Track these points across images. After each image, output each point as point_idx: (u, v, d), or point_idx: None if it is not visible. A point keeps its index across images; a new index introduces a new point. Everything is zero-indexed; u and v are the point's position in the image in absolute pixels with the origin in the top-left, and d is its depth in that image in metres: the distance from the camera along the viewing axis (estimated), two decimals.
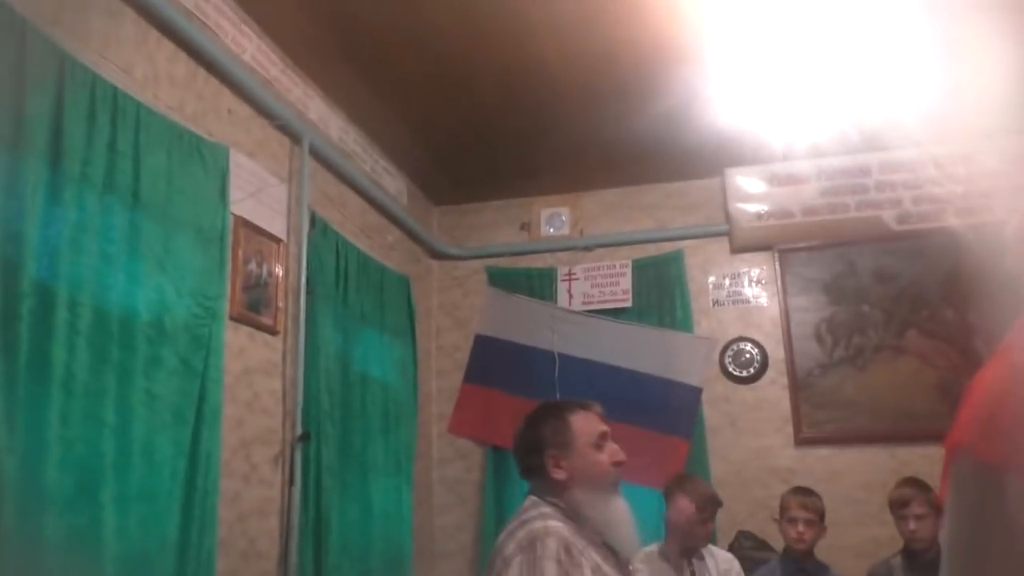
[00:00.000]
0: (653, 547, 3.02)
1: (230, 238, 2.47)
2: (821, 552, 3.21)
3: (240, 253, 2.56)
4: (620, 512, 1.80)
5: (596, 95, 3.27)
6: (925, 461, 3.55)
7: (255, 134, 2.79)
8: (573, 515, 1.79)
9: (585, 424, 1.83)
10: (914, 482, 2.85)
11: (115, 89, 2.06)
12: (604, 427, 1.84)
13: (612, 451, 1.82)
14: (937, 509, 2.75)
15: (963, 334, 3.63)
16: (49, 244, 1.81)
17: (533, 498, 1.86)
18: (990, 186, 3.62)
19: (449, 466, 4.03)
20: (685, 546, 2.91)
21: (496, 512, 3.73)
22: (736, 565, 2.98)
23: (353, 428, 3.05)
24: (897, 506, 2.79)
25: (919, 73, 3.09)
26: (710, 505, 2.95)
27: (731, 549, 3.45)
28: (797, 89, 3.24)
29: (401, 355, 3.59)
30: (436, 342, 4.19)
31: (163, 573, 1.99)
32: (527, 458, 1.86)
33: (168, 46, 2.35)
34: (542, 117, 3.43)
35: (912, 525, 2.72)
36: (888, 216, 3.79)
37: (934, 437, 3.58)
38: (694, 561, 2.93)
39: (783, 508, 2.94)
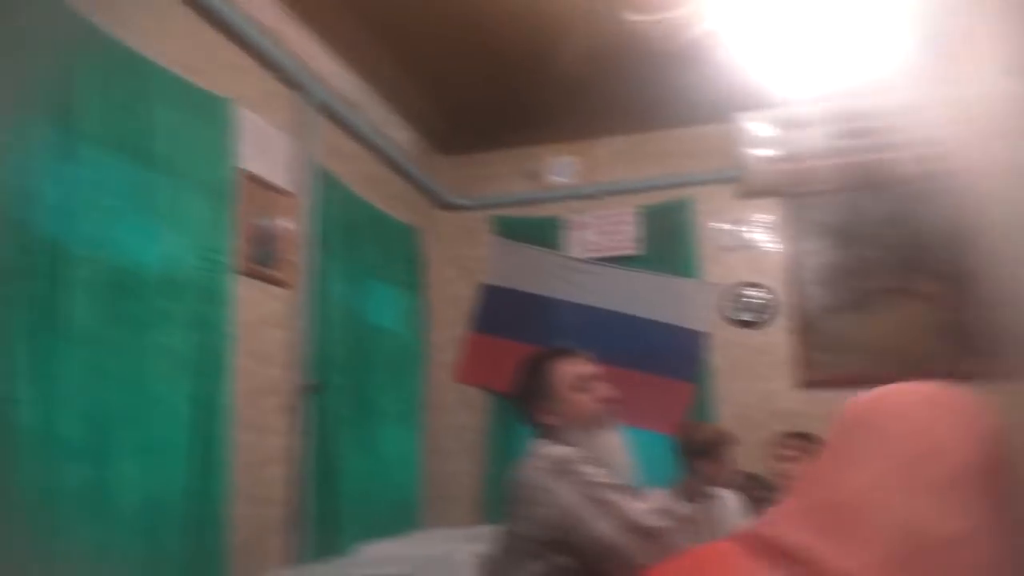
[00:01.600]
0: (668, 491, 3.10)
1: (237, 192, 2.49)
2: None
3: (247, 207, 2.58)
4: (613, 446, 1.90)
5: (604, 40, 3.23)
6: None
7: (260, 87, 2.78)
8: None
9: (564, 369, 1.91)
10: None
11: (121, 44, 2.06)
12: (586, 369, 1.92)
13: (598, 390, 1.91)
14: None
15: (966, 277, 3.63)
16: (60, 201, 1.84)
17: (542, 443, 1.94)
18: (994, 131, 3.58)
19: (455, 414, 4.11)
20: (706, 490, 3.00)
21: (500, 458, 3.80)
22: (741, 505, 3.05)
23: (362, 378, 3.10)
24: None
25: (930, 14, 3.04)
26: (730, 443, 3.01)
27: (741, 489, 3.53)
28: (807, 31, 3.19)
29: (409, 306, 3.63)
30: (443, 292, 4.22)
31: (176, 521, 2.07)
32: (519, 409, 1.99)
33: None
34: (550, 64, 3.39)
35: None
36: (897, 159, 3.75)
37: (934, 378, 3.66)
38: (708, 504, 3.01)
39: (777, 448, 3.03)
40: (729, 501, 3.06)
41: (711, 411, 3.80)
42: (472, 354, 4.06)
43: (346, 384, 2.99)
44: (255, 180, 2.65)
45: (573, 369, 1.92)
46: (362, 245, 3.25)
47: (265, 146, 2.72)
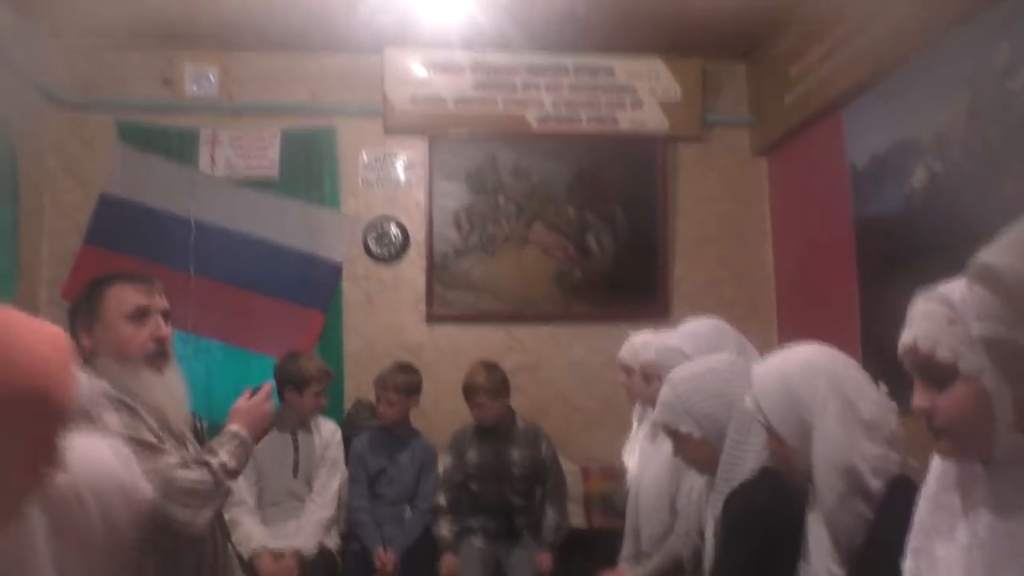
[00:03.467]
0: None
1: None
2: (437, 418, 3.53)
3: None
4: (162, 388, 1.79)
5: None
6: (535, 339, 3.99)
7: None
8: (113, 386, 1.75)
9: (121, 296, 1.79)
10: (484, 369, 3.18)
11: None
12: (146, 301, 1.81)
13: (153, 325, 1.80)
14: (500, 391, 3.13)
15: (580, 231, 4.05)
16: None
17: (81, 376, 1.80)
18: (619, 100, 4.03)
19: None
20: (297, 418, 3.04)
21: None
22: (337, 436, 3.16)
23: None
24: (468, 393, 3.14)
25: None
26: (324, 379, 3.08)
27: (348, 416, 3.65)
28: None
29: (2, 214, 3.18)
30: (51, 199, 3.75)
31: None
32: (68, 328, 1.80)
33: None
34: None
35: (479, 412, 3.12)
36: (530, 116, 4.04)
37: (544, 319, 4.05)
38: (300, 433, 3.06)
39: (379, 385, 3.16)
40: (325, 432, 3.14)
41: (340, 341, 3.86)
42: (84, 269, 3.66)
43: None
44: None
45: (132, 298, 1.79)
46: None
47: None
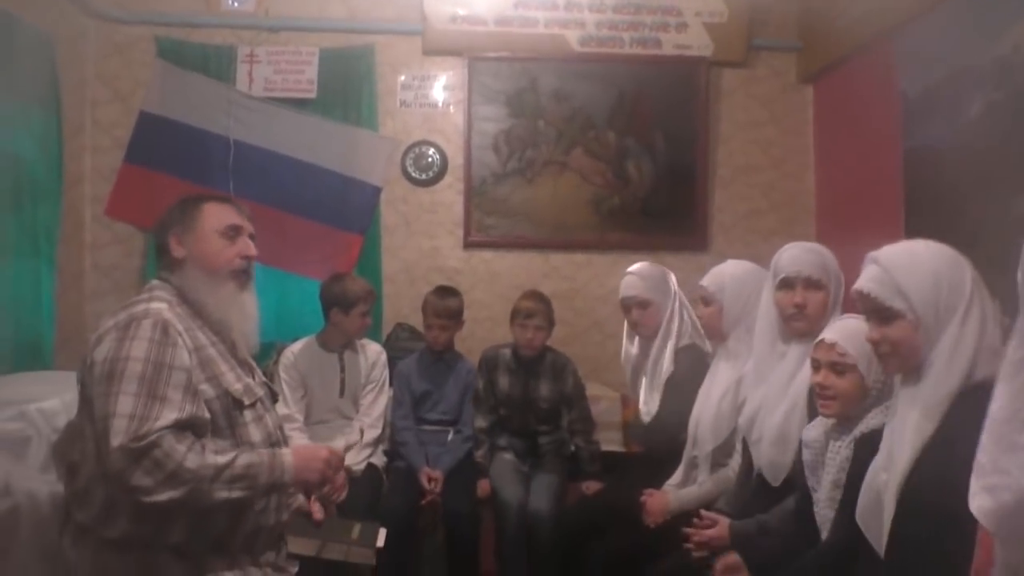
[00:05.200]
0: (312, 337, 3.15)
1: None
2: (471, 343, 3.56)
3: None
4: (239, 305, 1.86)
5: None
6: (571, 266, 4.00)
7: None
8: (186, 296, 1.81)
9: (218, 212, 1.87)
10: (538, 296, 3.18)
11: None
12: (239, 221, 1.89)
13: (243, 246, 1.88)
14: (551, 322, 3.14)
15: (620, 157, 4.00)
16: None
17: (151, 283, 1.85)
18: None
19: (104, 251, 3.77)
20: (343, 339, 3.09)
21: None
22: (383, 357, 3.21)
23: None
24: (521, 316, 3.10)
25: None
26: (370, 299, 3.11)
27: (389, 338, 3.70)
28: None
29: (42, 127, 3.18)
30: (92, 116, 3.74)
31: None
32: (156, 236, 1.90)
33: None
34: None
35: (530, 335, 3.07)
36: (572, 37, 3.94)
37: (581, 246, 4.05)
38: (346, 353, 3.12)
39: (428, 312, 3.17)
40: (370, 354, 3.19)
41: (378, 265, 3.88)
42: (125, 187, 3.68)
43: None
44: None
45: (227, 215, 1.88)
46: None
47: None
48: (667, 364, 2.70)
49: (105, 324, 1.71)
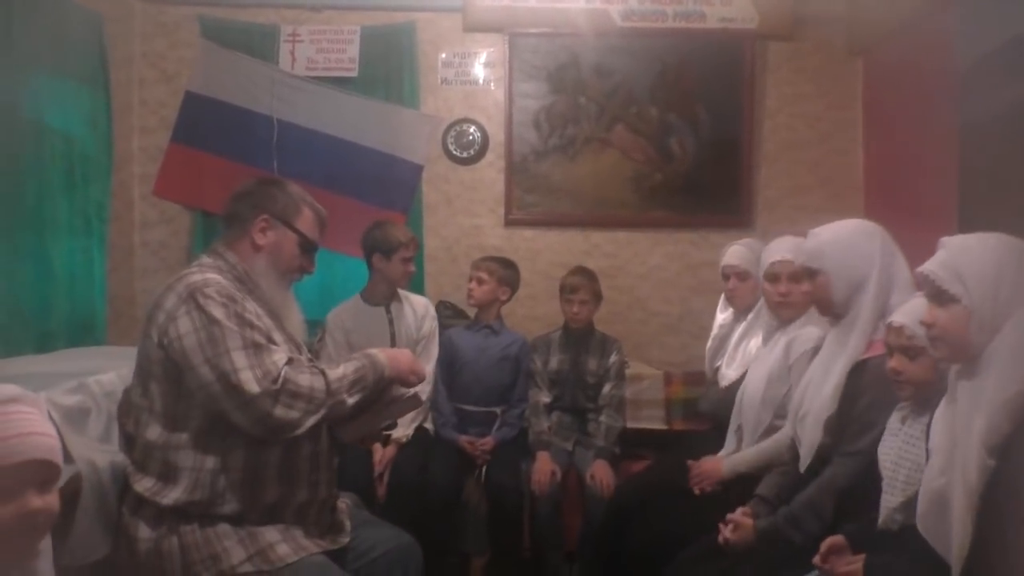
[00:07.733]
0: (356, 295, 3.16)
1: None
2: (512, 321, 3.56)
3: None
4: (290, 302, 1.96)
5: None
6: (613, 244, 3.97)
7: None
8: (245, 279, 1.84)
9: (311, 223, 1.95)
10: (584, 271, 3.19)
11: None
12: (317, 237, 1.97)
13: (309, 263, 1.97)
14: (597, 297, 3.15)
15: (662, 133, 3.95)
16: None
17: (201, 259, 1.87)
18: None
19: (153, 230, 3.84)
20: (387, 289, 3.09)
21: None
22: (431, 309, 3.23)
23: (24, 183, 2.75)
24: (567, 291, 3.13)
25: None
26: (412, 244, 3.11)
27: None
28: None
29: (91, 106, 3.23)
30: (139, 95, 3.79)
31: None
32: (238, 205, 1.92)
33: None
34: None
35: (576, 308, 3.09)
36: (614, 11, 3.89)
37: (623, 224, 4.01)
38: (393, 305, 3.13)
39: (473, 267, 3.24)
40: (418, 306, 3.19)
41: (420, 242, 3.88)
42: (172, 167, 3.74)
43: (1, 190, 2.63)
44: None
45: (313, 231, 1.95)
46: (21, 27, 2.74)
47: None
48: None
49: (164, 301, 1.73)
